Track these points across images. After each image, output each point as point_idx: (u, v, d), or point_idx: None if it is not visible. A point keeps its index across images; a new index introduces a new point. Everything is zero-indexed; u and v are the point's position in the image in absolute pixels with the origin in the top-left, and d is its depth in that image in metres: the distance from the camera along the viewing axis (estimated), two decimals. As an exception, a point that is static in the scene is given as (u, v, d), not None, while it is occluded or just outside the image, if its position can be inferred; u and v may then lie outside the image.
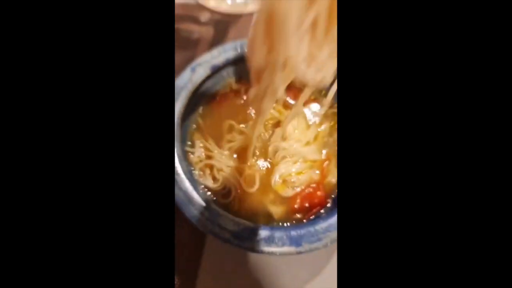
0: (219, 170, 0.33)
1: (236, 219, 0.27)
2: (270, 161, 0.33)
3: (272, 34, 0.19)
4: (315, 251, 0.26)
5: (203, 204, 0.27)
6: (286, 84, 0.22)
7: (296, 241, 0.26)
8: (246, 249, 0.26)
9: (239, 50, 0.35)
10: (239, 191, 0.32)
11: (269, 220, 0.31)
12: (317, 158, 0.34)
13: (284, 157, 0.33)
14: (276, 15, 0.17)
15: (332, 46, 0.20)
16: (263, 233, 0.26)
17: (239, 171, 0.33)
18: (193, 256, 0.33)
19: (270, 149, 0.33)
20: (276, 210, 0.31)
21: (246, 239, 0.26)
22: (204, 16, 0.50)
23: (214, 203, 0.28)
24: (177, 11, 0.50)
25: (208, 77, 0.35)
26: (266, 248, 0.26)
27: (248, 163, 0.33)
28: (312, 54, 0.20)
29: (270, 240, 0.26)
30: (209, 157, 0.33)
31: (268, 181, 0.32)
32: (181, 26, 0.49)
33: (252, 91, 0.24)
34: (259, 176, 0.32)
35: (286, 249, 0.26)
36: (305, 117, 0.36)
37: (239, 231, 0.26)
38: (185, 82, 0.33)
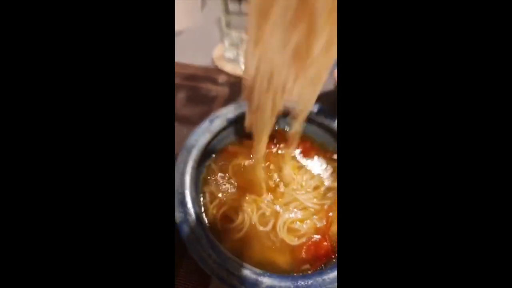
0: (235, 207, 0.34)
1: (244, 264, 0.27)
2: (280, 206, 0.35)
3: (259, 54, 0.19)
4: (323, 302, 0.25)
5: (212, 244, 0.28)
6: (275, 106, 0.23)
7: (303, 292, 0.26)
8: (252, 297, 0.26)
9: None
10: (250, 227, 0.33)
11: (276, 267, 0.30)
12: (317, 207, 0.35)
13: (286, 204, 0.35)
14: (263, 34, 0.18)
15: (314, 70, 0.20)
16: (270, 281, 0.26)
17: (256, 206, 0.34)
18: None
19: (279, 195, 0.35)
20: (283, 258, 0.31)
21: (252, 286, 0.26)
22: (222, 78, 0.57)
23: (221, 243, 0.28)
24: (198, 72, 0.58)
25: (223, 129, 0.38)
26: (273, 298, 0.25)
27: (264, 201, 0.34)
28: (296, 76, 0.20)
29: (277, 289, 0.26)
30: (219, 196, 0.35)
31: (275, 227, 0.33)
32: (201, 85, 0.56)
33: (248, 116, 0.25)
34: (273, 218, 0.33)
35: (293, 299, 0.25)
36: (304, 166, 0.39)
37: (246, 277, 0.26)
38: (203, 131, 0.37)
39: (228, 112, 0.39)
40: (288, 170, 0.37)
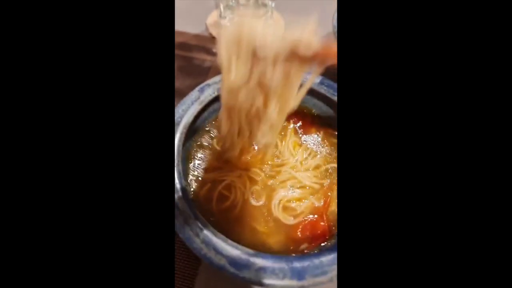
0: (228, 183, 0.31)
1: (234, 243, 0.25)
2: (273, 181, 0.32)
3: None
4: (320, 285, 0.23)
5: (200, 225, 0.25)
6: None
7: (298, 274, 0.24)
8: (242, 279, 0.24)
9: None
10: (242, 200, 0.31)
11: (268, 247, 0.28)
12: (316, 185, 0.32)
13: (282, 181, 0.32)
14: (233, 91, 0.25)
15: (272, 121, 0.27)
16: (263, 262, 0.24)
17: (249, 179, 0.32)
18: (186, 284, 0.29)
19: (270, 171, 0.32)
20: (277, 238, 0.29)
21: (244, 268, 0.24)
22: (216, 47, 0.52)
23: (211, 224, 0.26)
24: (191, 41, 0.53)
25: (215, 99, 0.35)
26: (266, 280, 0.23)
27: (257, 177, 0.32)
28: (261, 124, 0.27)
29: (270, 271, 0.24)
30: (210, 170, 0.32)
31: (269, 205, 0.31)
32: (194, 55, 0.51)
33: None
34: (265, 193, 0.31)
35: (287, 282, 0.23)
36: (304, 144, 0.36)
37: (236, 257, 0.24)
38: (193, 100, 0.33)
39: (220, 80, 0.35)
40: (287, 145, 0.34)
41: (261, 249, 0.28)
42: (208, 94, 0.34)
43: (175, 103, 0.45)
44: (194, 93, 0.34)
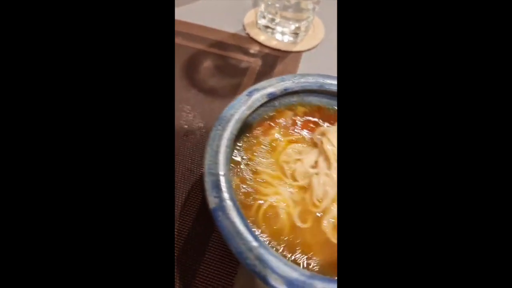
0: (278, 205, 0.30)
1: (291, 263, 0.23)
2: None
3: None
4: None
5: (253, 236, 0.24)
6: None
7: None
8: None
9: (296, 82, 0.35)
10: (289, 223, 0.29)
11: (318, 268, 0.26)
12: None
13: (334, 200, 0.31)
14: None
15: None
16: (320, 285, 0.22)
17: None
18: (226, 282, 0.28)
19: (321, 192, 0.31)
20: (324, 257, 0.27)
21: (300, 290, 0.22)
22: (254, 49, 0.51)
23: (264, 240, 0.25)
24: (228, 40, 0.52)
25: (262, 105, 0.33)
26: (322, 305, 0.22)
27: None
28: None
29: (327, 295, 0.22)
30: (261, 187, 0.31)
31: (319, 224, 0.29)
32: (230, 54, 0.50)
33: None
34: (313, 216, 0.29)
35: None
36: None
37: (293, 279, 0.22)
38: (241, 104, 0.32)
39: (270, 85, 0.34)
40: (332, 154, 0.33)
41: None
42: (257, 98, 0.33)
43: (214, 101, 0.43)
44: (242, 97, 0.32)
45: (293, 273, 0.22)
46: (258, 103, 0.32)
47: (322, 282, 0.23)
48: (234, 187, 0.30)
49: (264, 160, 0.33)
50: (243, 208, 0.29)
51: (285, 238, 0.28)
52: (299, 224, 0.29)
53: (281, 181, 0.31)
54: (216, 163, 0.28)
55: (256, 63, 0.49)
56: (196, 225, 0.33)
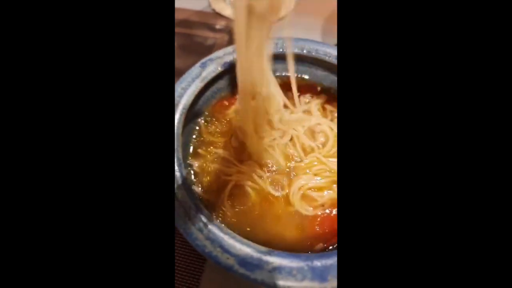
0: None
1: (244, 240, 0.21)
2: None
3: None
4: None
5: (203, 218, 0.22)
6: None
7: (320, 275, 0.20)
8: (254, 281, 0.20)
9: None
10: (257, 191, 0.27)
11: (283, 245, 0.24)
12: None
13: (304, 168, 0.28)
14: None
15: None
16: (278, 261, 0.20)
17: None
18: (192, 282, 0.26)
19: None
20: (292, 233, 0.25)
21: (255, 268, 0.20)
22: (220, 24, 0.48)
23: (216, 216, 0.22)
24: (193, 17, 0.49)
25: (218, 76, 0.31)
26: (281, 282, 0.20)
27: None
28: None
29: (286, 272, 0.20)
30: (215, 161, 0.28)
31: (287, 195, 0.27)
32: (196, 32, 0.47)
33: None
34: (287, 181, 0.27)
35: (307, 284, 0.20)
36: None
37: (246, 256, 0.20)
38: (193, 77, 0.29)
39: (226, 54, 0.31)
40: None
41: (274, 245, 0.24)
42: (211, 70, 0.30)
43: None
44: (195, 69, 0.30)
45: (245, 249, 0.20)
46: (213, 74, 0.30)
47: (280, 258, 0.20)
48: (188, 161, 0.28)
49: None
50: (199, 185, 0.27)
51: (253, 215, 0.26)
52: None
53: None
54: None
55: (222, 39, 0.46)
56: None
